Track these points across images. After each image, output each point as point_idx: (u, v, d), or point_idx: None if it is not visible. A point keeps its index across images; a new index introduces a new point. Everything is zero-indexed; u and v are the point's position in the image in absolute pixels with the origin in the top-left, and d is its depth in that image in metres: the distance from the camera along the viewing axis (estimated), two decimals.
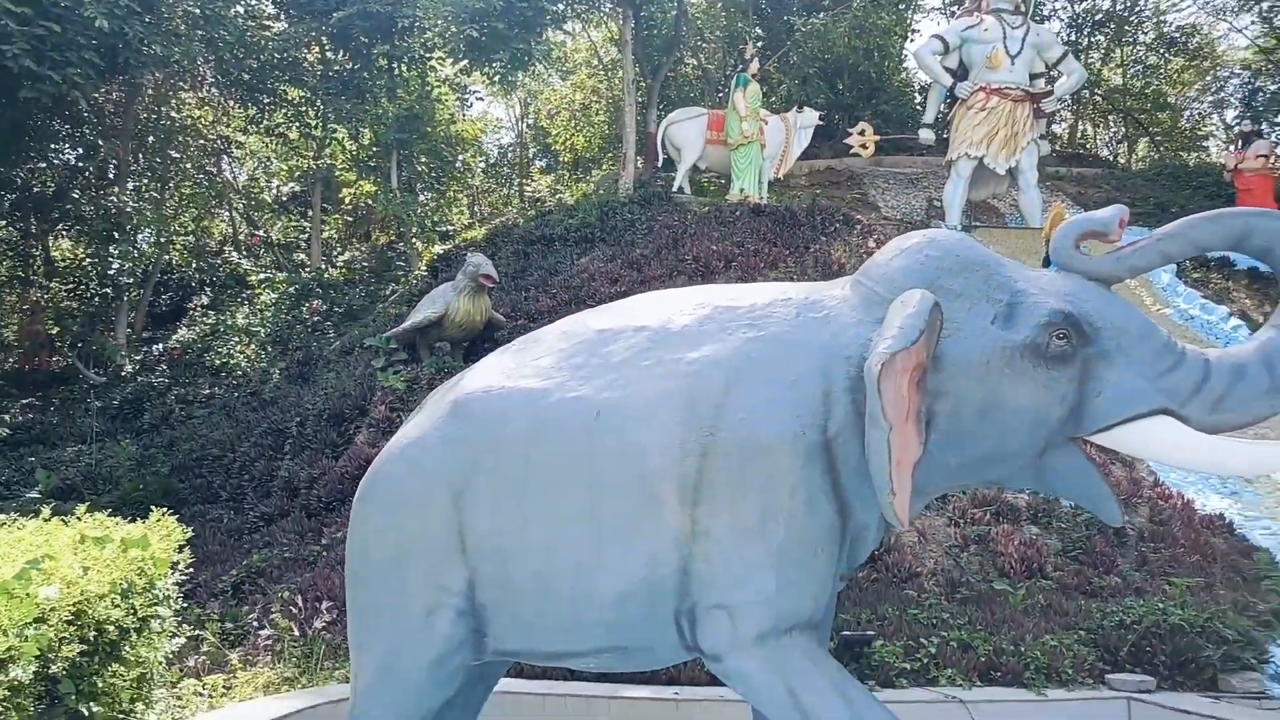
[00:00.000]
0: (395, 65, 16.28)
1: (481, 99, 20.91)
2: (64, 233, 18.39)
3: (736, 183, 16.33)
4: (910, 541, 7.89)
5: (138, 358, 16.92)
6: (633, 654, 3.79)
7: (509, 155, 29.84)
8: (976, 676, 5.38)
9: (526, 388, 3.87)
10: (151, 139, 17.41)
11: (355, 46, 16.02)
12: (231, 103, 18.94)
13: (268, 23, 17.75)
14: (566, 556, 3.61)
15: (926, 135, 19.26)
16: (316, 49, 17.69)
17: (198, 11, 15.25)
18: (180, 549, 4.71)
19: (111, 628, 3.92)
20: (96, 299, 17.95)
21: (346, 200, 22.42)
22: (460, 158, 20.52)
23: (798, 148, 17.87)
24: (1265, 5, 18.87)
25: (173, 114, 17.76)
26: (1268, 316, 12.24)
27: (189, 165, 18.89)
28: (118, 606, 3.97)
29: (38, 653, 3.39)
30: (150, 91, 17.75)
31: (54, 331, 18.07)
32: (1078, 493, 3.56)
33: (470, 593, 3.82)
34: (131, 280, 17.16)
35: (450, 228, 20.96)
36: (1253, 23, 22.07)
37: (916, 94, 24.34)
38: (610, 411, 3.62)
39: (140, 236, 17.47)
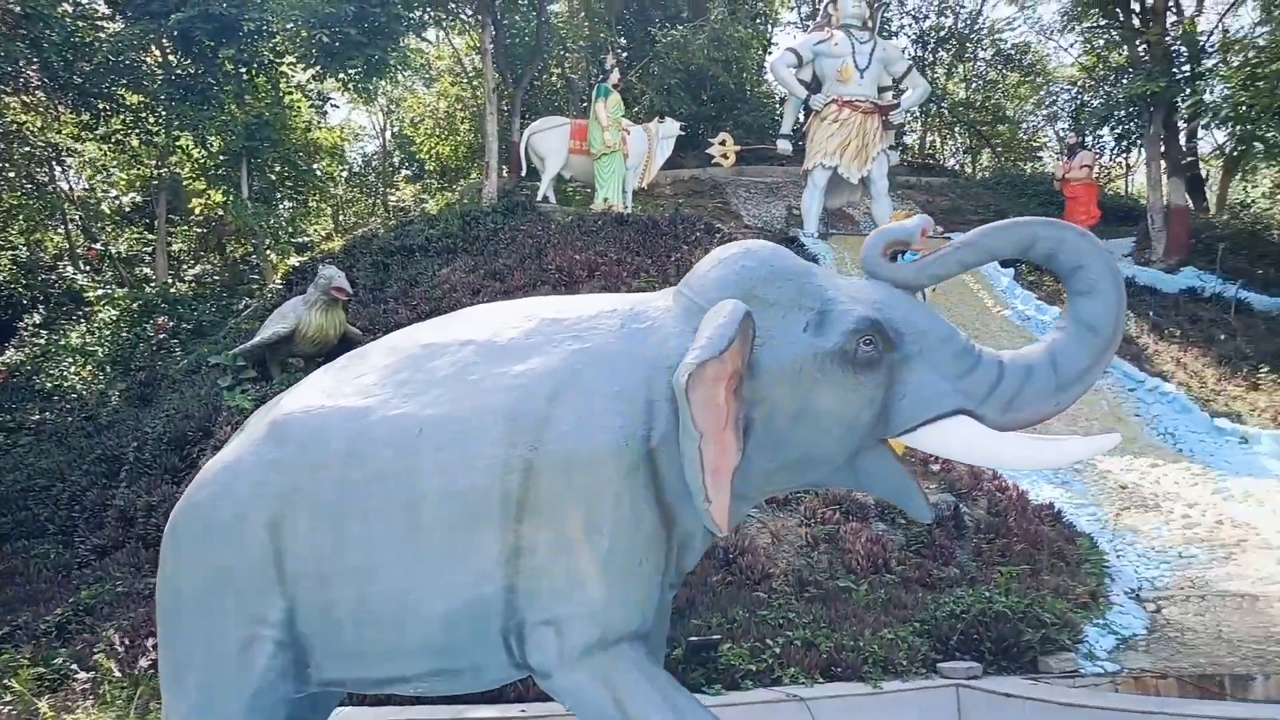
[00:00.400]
0: (243, 70, 15.61)
1: (337, 107, 20.27)
2: None
3: (600, 192, 16.42)
4: (764, 543, 8.08)
5: None
6: (462, 675, 3.73)
7: (373, 164, 29.13)
8: (819, 673, 5.55)
9: (347, 406, 3.76)
10: None
11: (199, 50, 15.28)
12: (62, 108, 17.73)
13: (101, 23, 16.75)
14: (388, 579, 3.52)
15: (784, 145, 19.89)
16: (157, 52, 16.78)
17: (18, 9, 14.23)
18: None
19: None
20: None
21: (197, 211, 21.36)
22: (318, 166, 19.81)
23: (660, 157, 18.13)
24: (1084, 25, 20.35)
25: None
26: None
27: (13, 174, 17.56)
28: None
29: None
30: None
31: None
32: (889, 491, 3.73)
33: (289, 623, 3.67)
34: None
35: (307, 239, 20.25)
36: (1074, 42, 23.79)
37: (776, 105, 25.06)
38: (433, 428, 3.56)
39: None
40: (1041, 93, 28.23)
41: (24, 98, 17.17)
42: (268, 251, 17.37)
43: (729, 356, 3.31)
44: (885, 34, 25.87)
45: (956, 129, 29.76)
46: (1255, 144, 17.86)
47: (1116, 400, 13.88)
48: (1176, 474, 11.64)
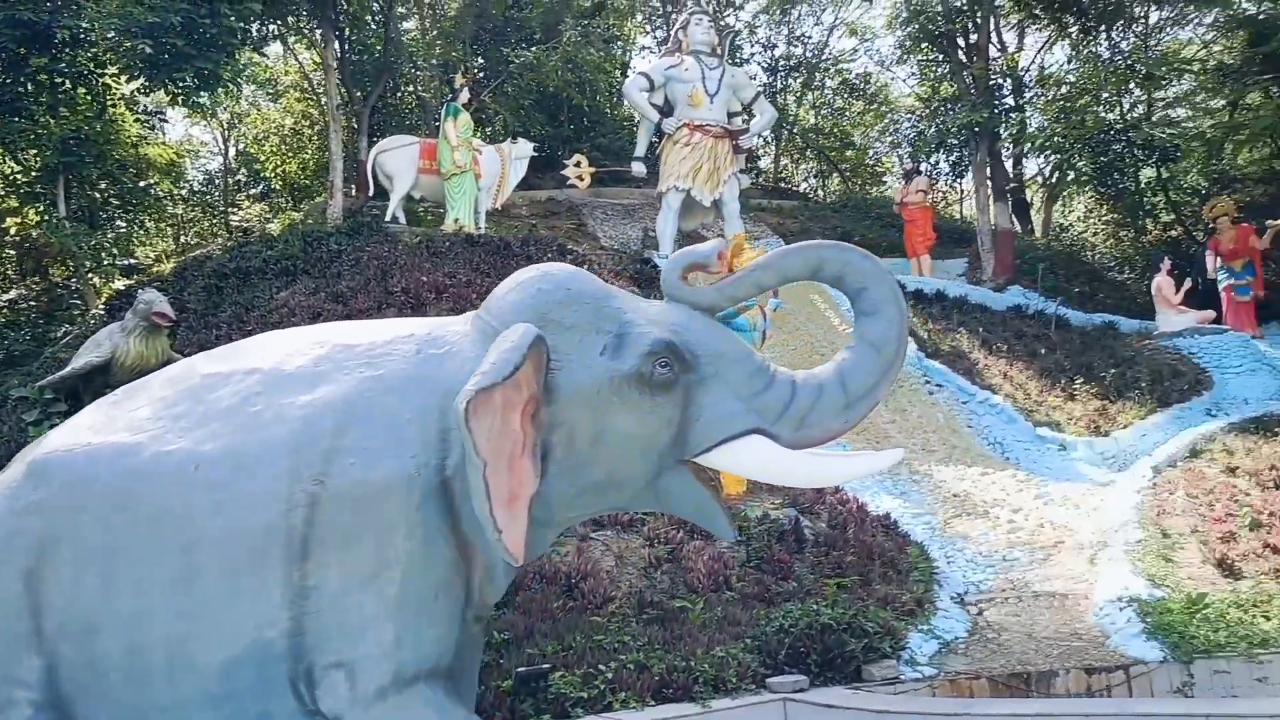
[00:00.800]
0: (59, 81, 14.57)
1: (166, 120, 19.16)
2: None
3: (451, 213, 16.15)
4: (608, 566, 8.04)
5: None
6: None
7: (216, 182, 27.76)
8: (650, 696, 5.53)
9: (116, 443, 3.50)
10: None
11: (7, 57, 14.16)
12: None
13: None
14: (161, 627, 3.28)
15: (638, 168, 20.12)
16: None
17: None
18: None
19: None
20: None
21: (12, 231, 19.75)
22: (146, 183, 18.66)
23: (514, 178, 18.00)
24: (918, 59, 21.59)
25: None
26: (930, 333, 13.70)
27: None
28: None
29: None
30: None
31: None
32: (692, 512, 3.76)
33: (50, 681, 3.37)
34: None
35: (135, 261, 19.06)
36: (911, 74, 25.19)
37: (634, 128, 25.38)
38: (211, 464, 3.36)
39: None
40: (885, 120, 29.69)
41: None
42: (89, 275, 16.22)
43: (520, 381, 3.26)
44: (735, 61, 26.66)
45: (807, 153, 30.91)
46: (1069, 171, 19.28)
47: (951, 413, 14.61)
48: (1004, 481, 12.33)
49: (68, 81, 14.63)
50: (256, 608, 3.25)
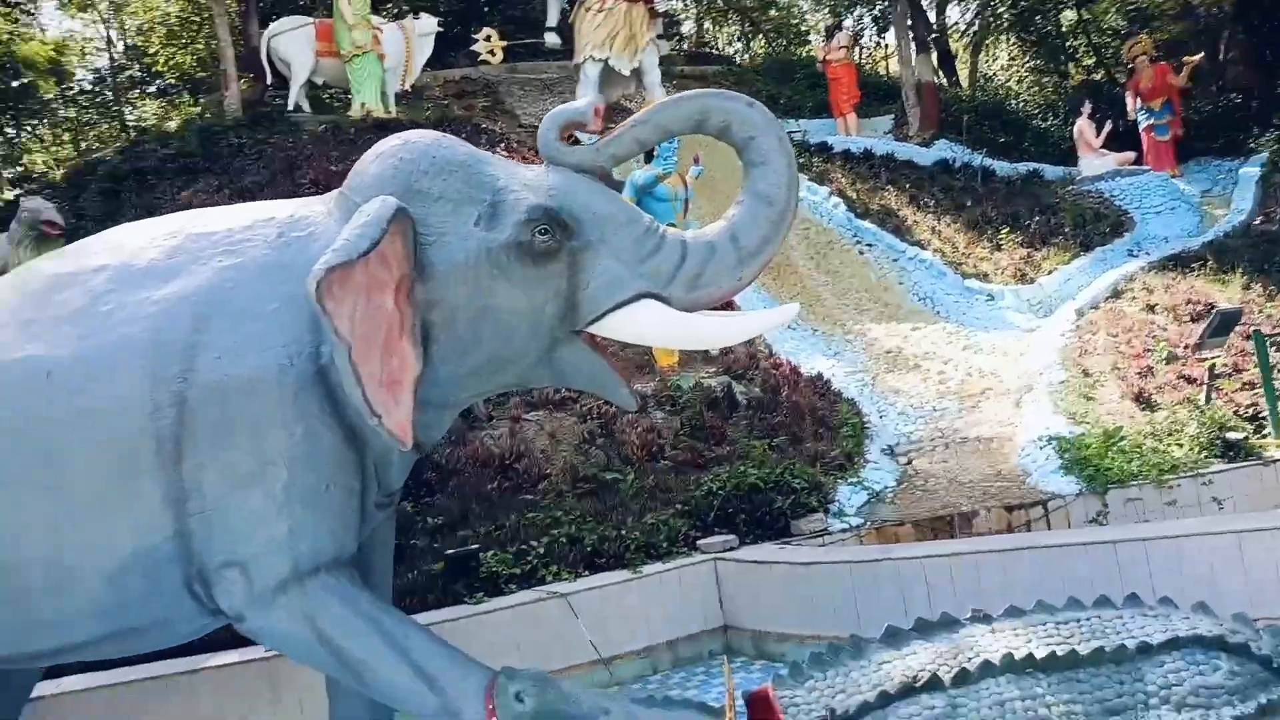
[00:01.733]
0: None
1: (31, 13, 17.64)
2: None
3: (357, 98, 15.29)
4: (542, 445, 7.99)
5: None
6: (147, 633, 3.38)
7: (108, 81, 25.90)
8: (583, 567, 5.56)
9: None
10: None
11: None
12: None
13: None
14: (36, 544, 3.09)
15: (552, 39, 19.27)
16: None
17: None
18: None
19: None
20: None
21: None
22: (20, 83, 17.28)
23: (420, 57, 17.04)
24: None
25: None
26: (859, 193, 13.53)
27: None
28: None
29: None
30: None
31: None
32: (591, 383, 3.62)
33: None
34: None
35: (23, 169, 17.89)
36: None
37: None
38: (65, 370, 3.11)
39: None
40: None
41: None
42: None
43: (387, 257, 3.05)
44: None
45: (729, 16, 29.86)
46: (990, 18, 18.92)
47: (883, 271, 14.67)
48: (935, 334, 12.51)
49: None
50: (135, 515, 3.08)
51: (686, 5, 30.17)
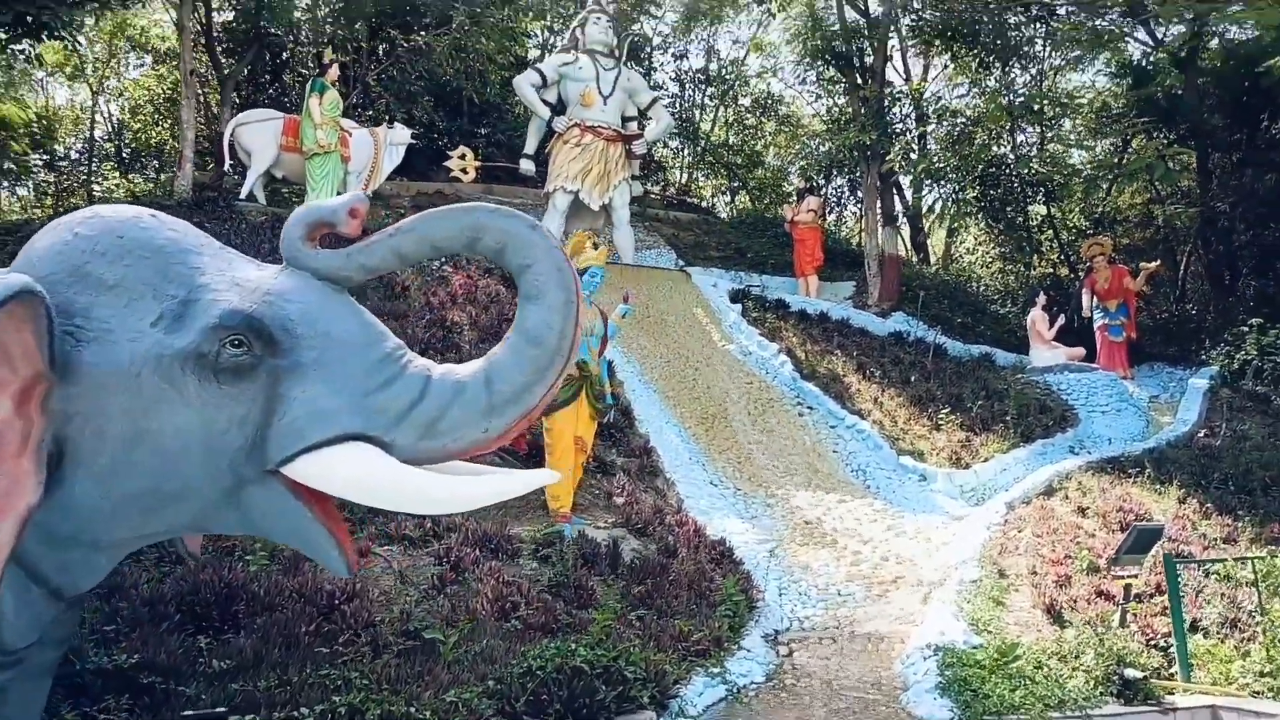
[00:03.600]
0: None
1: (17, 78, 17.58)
2: None
3: (311, 194, 15.07)
4: (386, 586, 7.19)
5: None
6: None
7: (88, 150, 25.93)
8: None
9: None
10: None
11: None
12: None
13: None
14: None
15: (527, 166, 19.36)
16: None
17: None
18: None
19: None
20: None
21: None
22: None
23: (388, 165, 17.03)
24: (817, 77, 21.33)
25: None
26: (808, 354, 13.14)
27: None
28: None
29: None
30: None
31: None
32: (295, 539, 2.95)
33: None
34: None
35: None
36: (813, 92, 24.96)
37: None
38: None
39: None
40: (799, 144, 29.55)
41: None
42: None
43: None
44: (639, 68, 26.13)
45: (718, 169, 30.57)
46: (959, 203, 19.21)
47: (819, 436, 14.18)
48: (860, 510, 11.87)
49: None
50: None
51: (676, 153, 30.92)
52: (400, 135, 17.07)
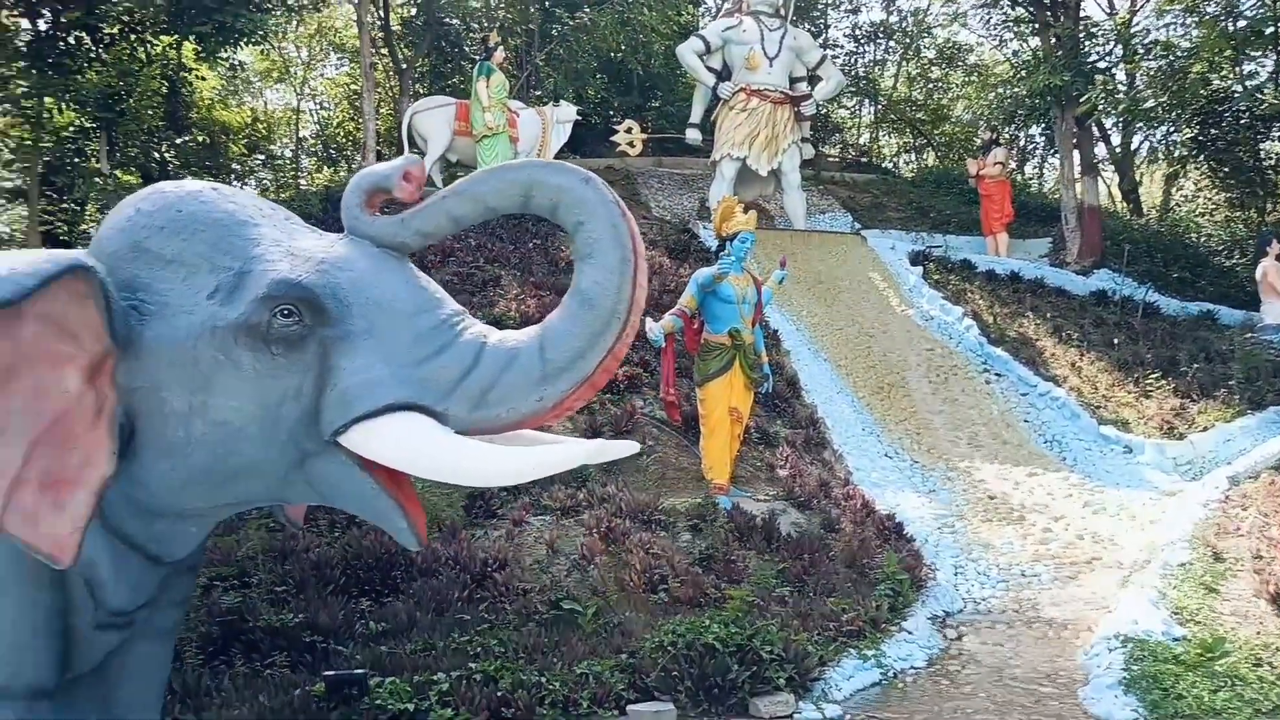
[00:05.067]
0: (97, 34, 14.66)
1: (200, 77, 19.05)
2: None
3: None
4: (538, 556, 7.25)
5: None
6: None
7: (304, 146, 28.10)
8: (487, 716, 4.72)
9: None
10: None
11: (47, 12, 14.34)
12: None
13: None
14: None
15: (693, 135, 19.11)
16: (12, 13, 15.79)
17: None
18: None
19: None
20: None
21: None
22: (190, 141, 18.66)
23: (556, 142, 17.27)
24: (1001, 16, 19.67)
25: None
26: (996, 317, 12.25)
27: None
28: None
29: None
30: None
31: None
32: (363, 509, 2.89)
33: None
34: None
35: None
36: (1000, 38, 23.09)
37: None
38: None
39: None
40: (991, 93, 27.59)
41: None
42: None
43: (62, 327, 2.50)
44: (814, 29, 25.17)
45: (903, 128, 29.07)
46: (1173, 146, 17.21)
47: (1008, 405, 13.19)
48: (1053, 484, 10.92)
49: (105, 34, 14.66)
50: None
51: (855, 113, 29.68)
52: (566, 113, 17.26)
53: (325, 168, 26.51)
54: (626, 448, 2.82)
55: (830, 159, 24.55)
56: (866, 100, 27.95)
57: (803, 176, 18.66)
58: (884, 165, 27.02)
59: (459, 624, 5.99)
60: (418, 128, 16.16)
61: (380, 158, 16.76)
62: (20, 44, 16.02)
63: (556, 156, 17.96)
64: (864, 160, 26.10)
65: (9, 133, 18.24)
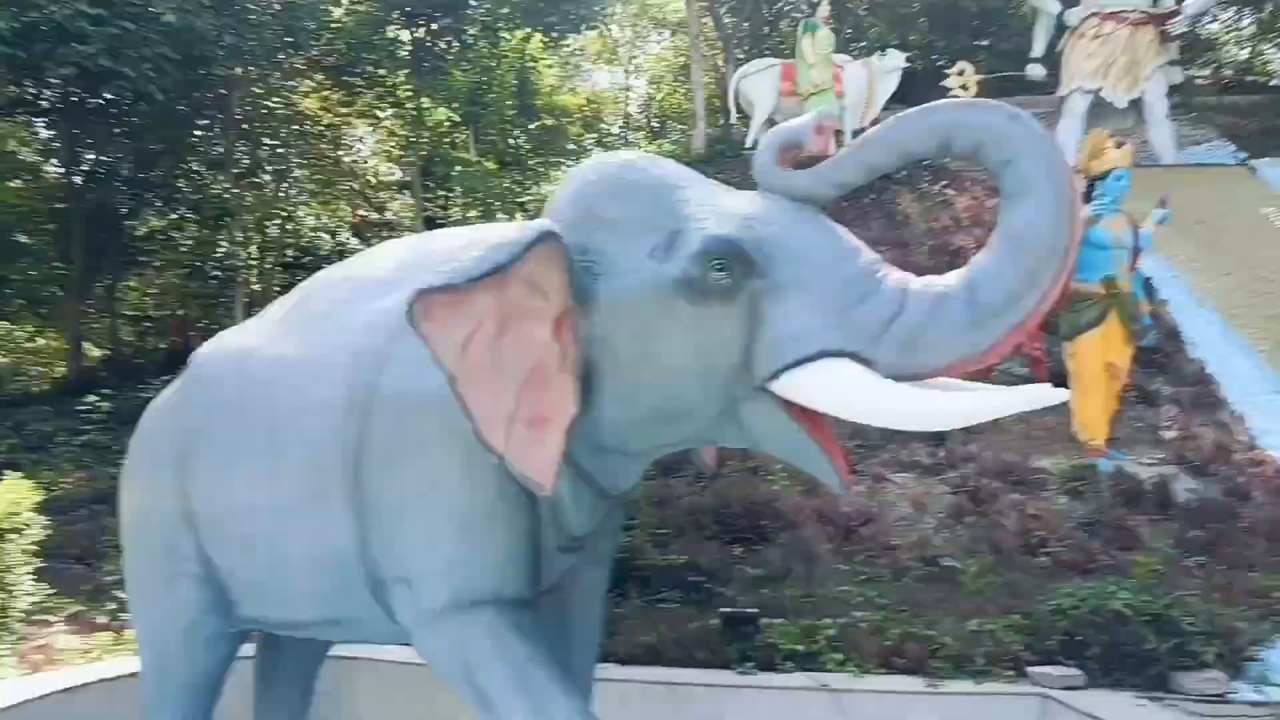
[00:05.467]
0: (464, 36, 16.40)
1: (546, 64, 20.47)
2: (158, 214, 19.46)
3: None
4: (901, 513, 7.17)
5: None
6: (347, 626, 3.55)
7: (630, 124, 29.65)
8: (877, 664, 4.72)
9: (244, 345, 3.72)
10: (245, 127, 18.31)
11: (424, 20, 16.30)
12: (329, 90, 19.70)
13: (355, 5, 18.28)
14: (260, 523, 3.42)
15: (1035, 70, 17.51)
16: (395, 26, 18.14)
17: (278, 6, 15.92)
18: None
19: None
20: (213, 282, 19.27)
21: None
22: (540, 124, 20.20)
23: (883, 94, 16.62)
24: None
25: (267, 103, 18.59)
26: None
27: (293, 153, 19.81)
28: None
29: None
30: (256, 86, 18.60)
31: (181, 314, 19.63)
32: (789, 453, 2.97)
33: (204, 558, 3.67)
34: (241, 264, 18.22)
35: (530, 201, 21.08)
36: None
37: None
38: (294, 368, 3.40)
39: (248, 222, 18.46)
40: None
41: (297, 81, 19.21)
42: (496, 216, 18.24)
43: (536, 286, 2.80)
44: None
45: None
46: None
47: None
48: None
49: (470, 35, 16.34)
50: (326, 514, 3.22)
51: (1232, 26, 25.61)
52: (893, 62, 16.56)
53: (652, 140, 27.73)
54: (1060, 395, 2.66)
55: (1201, 82, 21.43)
56: (1247, 9, 23.94)
57: (1170, 105, 16.46)
58: (1272, 84, 23.07)
59: (831, 574, 6.06)
60: (744, 92, 16.32)
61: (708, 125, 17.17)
62: (403, 53, 18.42)
63: (885, 108, 17.35)
64: (1248, 80, 22.47)
65: (396, 132, 21.12)
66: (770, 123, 16.77)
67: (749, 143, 16.35)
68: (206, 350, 3.92)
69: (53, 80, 13.08)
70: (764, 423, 2.84)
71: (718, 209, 2.92)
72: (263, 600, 3.62)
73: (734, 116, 16.80)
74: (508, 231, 2.93)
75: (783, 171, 2.92)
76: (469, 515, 3.04)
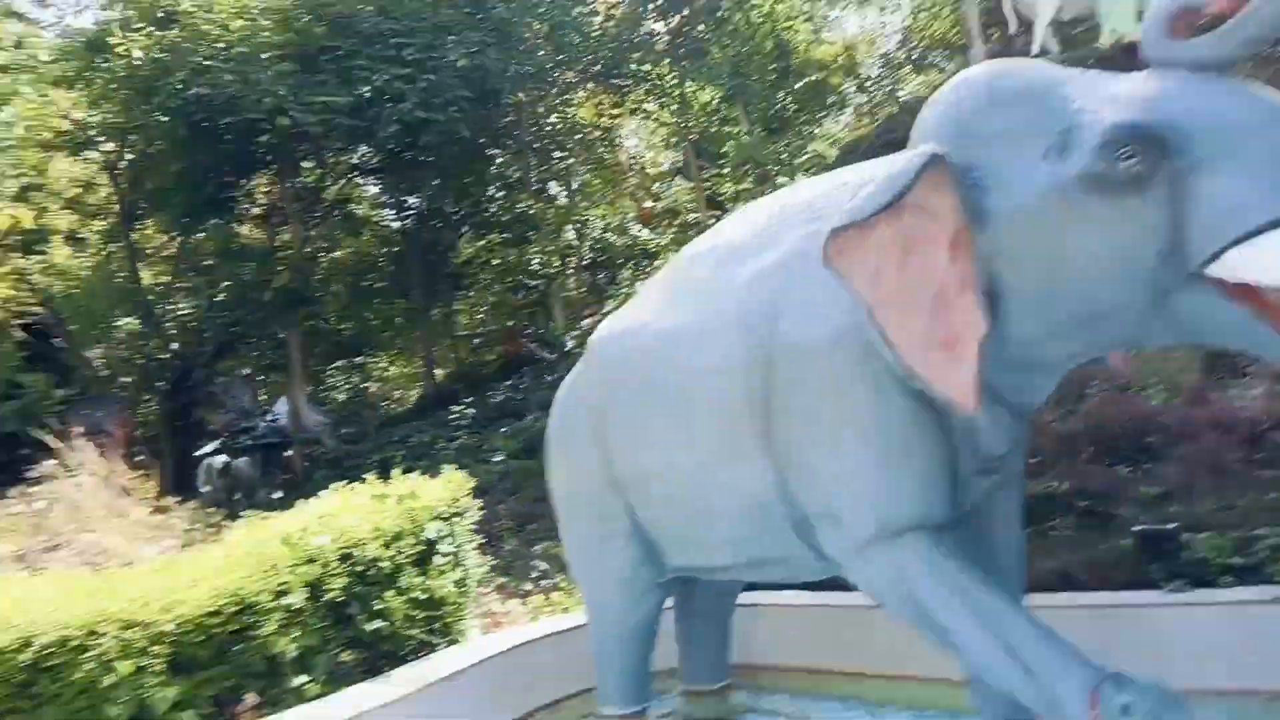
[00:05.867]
0: (718, 14, 16.58)
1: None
2: (472, 240, 21.37)
3: (1105, 24, 13.83)
4: None
5: (575, 334, 19.54)
6: (769, 566, 3.79)
7: (889, 61, 28.38)
8: None
9: (636, 322, 4.07)
10: (537, 146, 19.80)
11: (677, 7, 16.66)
12: (601, 95, 20.79)
13: (613, 10, 19.12)
14: (683, 481, 3.75)
15: None
16: (651, 19, 18.72)
17: (546, 28, 17.06)
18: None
19: (386, 564, 4.87)
20: (530, 293, 21.05)
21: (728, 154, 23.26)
22: (804, 81, 19.91)
23: None
24: None
25: (548, 120, 20.00)
26: None
27: (574, 161, 21.11)
28: (387, 548, 4.92)
29: (305, 585, 4.39)
30: (538, 106, 20.06)
31: (510, 324, 21.71)
32: (1236, 340, 2.77)
33: (632, 515, 4.07)
34: (554, 271, 19.76)
35: (810, 155, 20.82)
36: None
37: None
38: (688, 336, 3.70)
39: (549, 233, 19.96)
40: None
41: (573, 94, 20.46)
42: (776, 179, 18.29)
43: (927, 211, 2.80)
44: None
45: None
46: None
47: None
48: None
49: (724, 11, 16.48)
50: (741, 463, 3.47)
51: None
52: None
53: (918, 74, 26.36)
54: None
55: None
56: None
57: None
58: None
59: (1250, 484, 5.48)
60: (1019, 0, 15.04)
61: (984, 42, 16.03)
62: (661, 45, 18.98)
63: None
64: None
65: (665, 121, 21.82)
66: (1056, 24, 15.30)
67: (1034, 50, 15.01)
68: (603, 331, 4.33)
69: (382, 137, 14.87)
70: (1202, 311, 2.65)
71: (1110, 96, 2.77)
72: (689, 549, 3.95)
73: (1013, 27, 15.51)
74: (895, 162, 2.97)
75: (1176, 43, 2.69)
76: (887, 445, 3.14)
